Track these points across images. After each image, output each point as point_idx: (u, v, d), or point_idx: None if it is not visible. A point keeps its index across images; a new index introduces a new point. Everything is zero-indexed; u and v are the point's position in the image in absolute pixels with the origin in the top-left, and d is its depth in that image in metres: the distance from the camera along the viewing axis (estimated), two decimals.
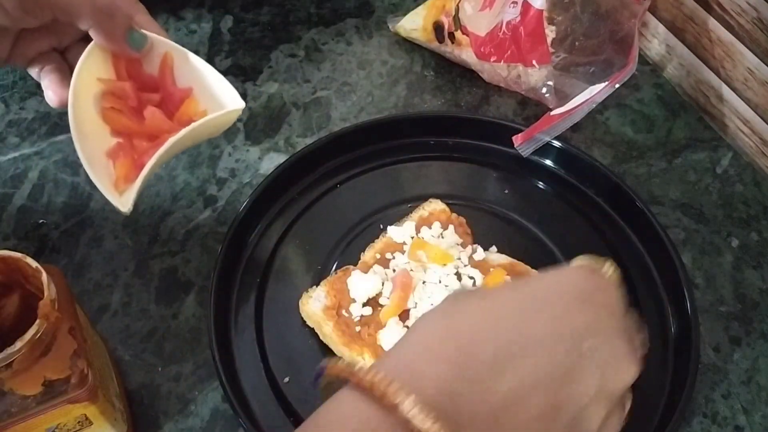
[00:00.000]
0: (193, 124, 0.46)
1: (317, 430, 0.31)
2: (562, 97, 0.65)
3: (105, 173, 0.46)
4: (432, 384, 0.30)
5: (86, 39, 0.48)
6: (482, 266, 0.54)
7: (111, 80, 0.48)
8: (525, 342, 0.31)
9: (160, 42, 0.49)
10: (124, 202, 0.45)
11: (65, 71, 0.49)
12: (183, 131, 0.46)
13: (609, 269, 0.36)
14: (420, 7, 0.74)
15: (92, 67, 0.48)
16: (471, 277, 0.54)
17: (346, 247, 0.57)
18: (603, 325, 0.33)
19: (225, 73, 0.70)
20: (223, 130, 0.51)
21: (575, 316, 0.33)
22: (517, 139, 0.61)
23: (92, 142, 0.46)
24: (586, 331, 0.32)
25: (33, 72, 0.50)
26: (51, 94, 0.48)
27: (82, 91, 0.47)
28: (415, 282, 0.52)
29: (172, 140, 0.46)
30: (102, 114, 0.48)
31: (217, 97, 0.50)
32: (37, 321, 0.37)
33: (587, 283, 0.34)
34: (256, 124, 0.67)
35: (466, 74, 0.71)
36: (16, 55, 0.48)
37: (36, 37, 0.48)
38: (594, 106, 0.64)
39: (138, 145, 0.48)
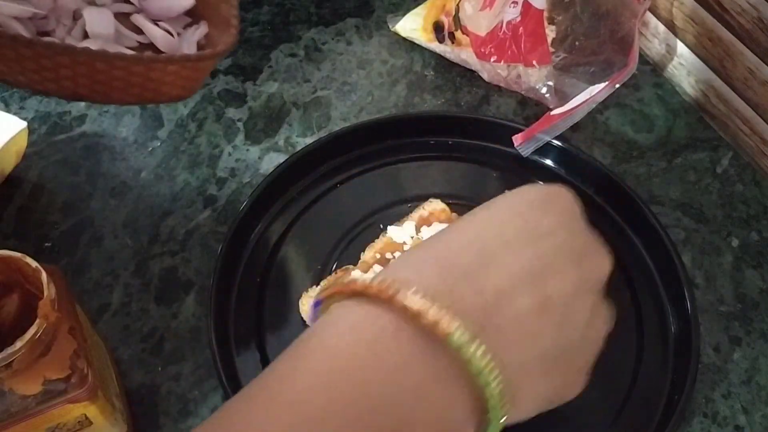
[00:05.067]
0: None
1: (324, 348, 0.30)
2: (562, 97, 0.65)
3: None
4: (431, 286, 0.31)
5: None
6: None
7: None
8: (501, 243, 0.33)
9: None
10: None
11: None
12: None
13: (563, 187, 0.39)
14: (420, 7, 0.74)
15: None
16: None
17: (346, 247, 0.57)
18: (568, 224, 0.36)
19: (225, 72, 0.71)
20: (21, 153, 0.58)
21: (542, 218, 0.35)
22: (517, 139, 0.61)
23: None
24: (555, 229, 0.35)
25: None
26: None
27: None
28: None
29: None
30: None
31: None
32: (37, 321, 0.37)
33: (547, 193, 0.38)
34: (256, 124, 0.67)
35: (466, 74, 0.71)
36: None
37: None
38: (594, 106, 0.64)
39: None
